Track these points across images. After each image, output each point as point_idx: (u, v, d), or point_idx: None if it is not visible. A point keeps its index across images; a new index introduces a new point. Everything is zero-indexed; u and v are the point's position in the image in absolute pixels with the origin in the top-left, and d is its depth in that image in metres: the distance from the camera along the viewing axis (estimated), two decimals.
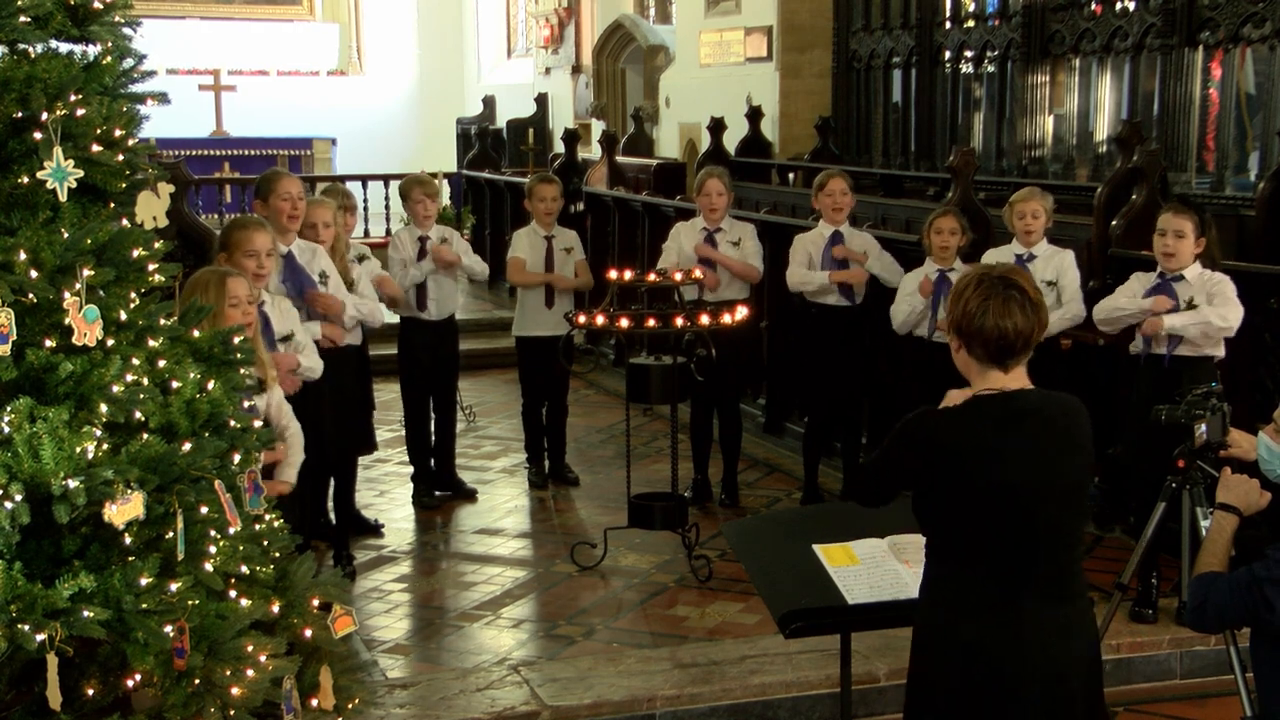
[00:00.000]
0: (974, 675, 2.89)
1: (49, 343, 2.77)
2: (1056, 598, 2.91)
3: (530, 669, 4.95)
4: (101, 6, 2.94)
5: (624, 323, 5.97)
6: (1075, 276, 6.08)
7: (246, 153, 17.35)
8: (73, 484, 2.62)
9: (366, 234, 14.37)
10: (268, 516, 3.20)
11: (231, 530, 2.99)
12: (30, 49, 2.86)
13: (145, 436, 2.84)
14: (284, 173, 6.01)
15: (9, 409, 2.67)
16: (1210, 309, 5.31)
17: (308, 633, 3.17)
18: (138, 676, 2.80)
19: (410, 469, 7.29)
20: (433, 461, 7.22)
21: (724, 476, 7.13)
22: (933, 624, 2.99)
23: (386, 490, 7.39)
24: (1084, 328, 6.17)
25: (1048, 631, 2.89)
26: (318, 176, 14.89)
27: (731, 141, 12.77)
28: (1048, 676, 2.89)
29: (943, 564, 2.97)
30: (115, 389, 2.77)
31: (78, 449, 2.66)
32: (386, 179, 14.95)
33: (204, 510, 2.91)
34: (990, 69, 11.90)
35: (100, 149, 2.87)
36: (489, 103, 20.47)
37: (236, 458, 3.09)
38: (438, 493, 7.17)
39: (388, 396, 8.23)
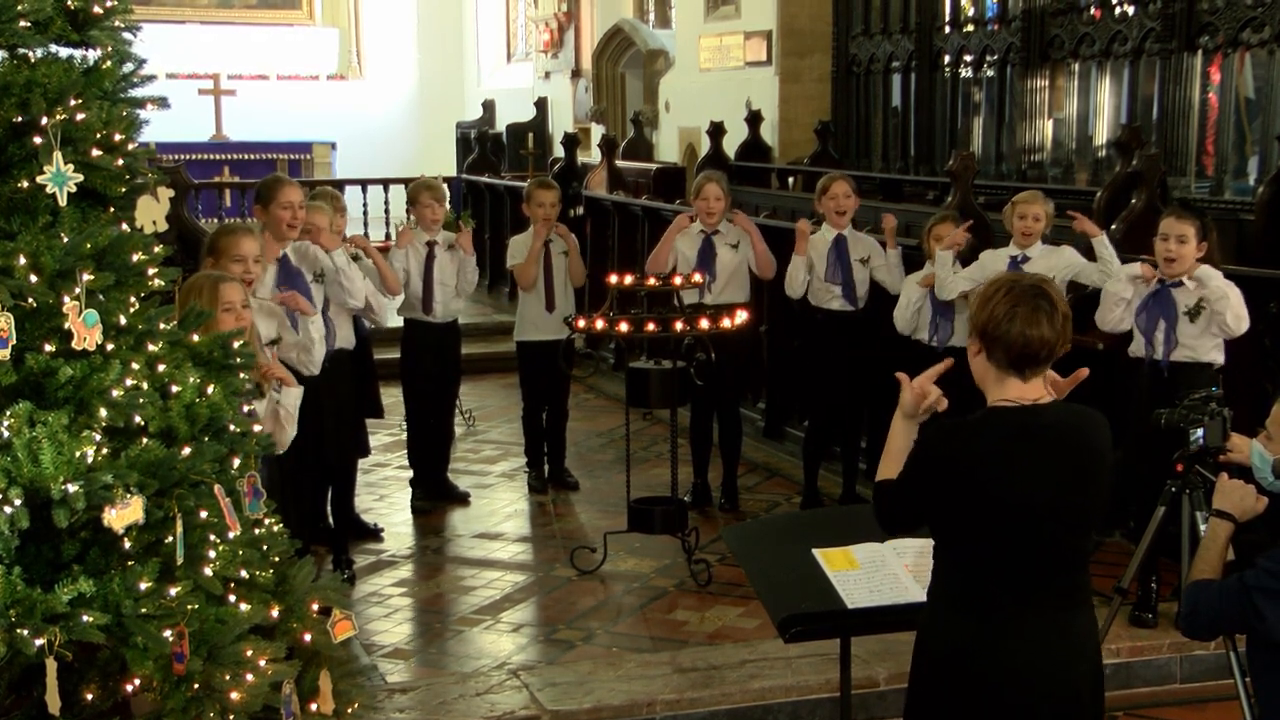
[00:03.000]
0: (973, 683, 2.89)
1: (49, 347, 2.77)
2: (1061, 608, 2.90)
3: (530, 673, 4.95)
4: (101, 11, 2.94)
5: (623, 327, 5.98)
6: (1080, 260, 6.03)
7: (246, 157, 17.37)
8: (72, 488, 2.62)
9: (365, 237, 14.36)
10: (267, 521, 3.20)
11: (231, 535, 2.98)
12: (30, 54, 2.85)
13: (145, 441, 2.83)
14: (286, 180, 5.98)
15: (9, 413, 2.67)
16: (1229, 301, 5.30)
17: (307, 637, 3.17)
18: (137, 681, 2.79)
19: (410, 473, 7.29)
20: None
21: (724, 481, 7.12)
22: (935, 629, 2.99)
23: (386, 494, 7.39)
24: (1084, 331, 6.16)
25: (1050, 641, 2.88)
26: (317, 181, 14.89)
27: (731, 146, 12.80)
28: (1050, 685, 2.87)
29: (949, 571, 2.96)
30: (115, 393, 2.77)
31: (77, 453, 2.66)
32: (386, 183, 14.97)
33: (203, 515, 2.90)
34: (989, 73, 11.92)
35: (100, 153, 2.86)
36: (489, 107, 20.50)
37: (236, 462, 3.09)
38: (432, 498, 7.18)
39: (388, 401, 8.23)
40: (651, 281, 6.27)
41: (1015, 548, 2.86)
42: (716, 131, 12.44)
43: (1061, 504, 2.85)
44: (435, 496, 7.18)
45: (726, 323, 6.05)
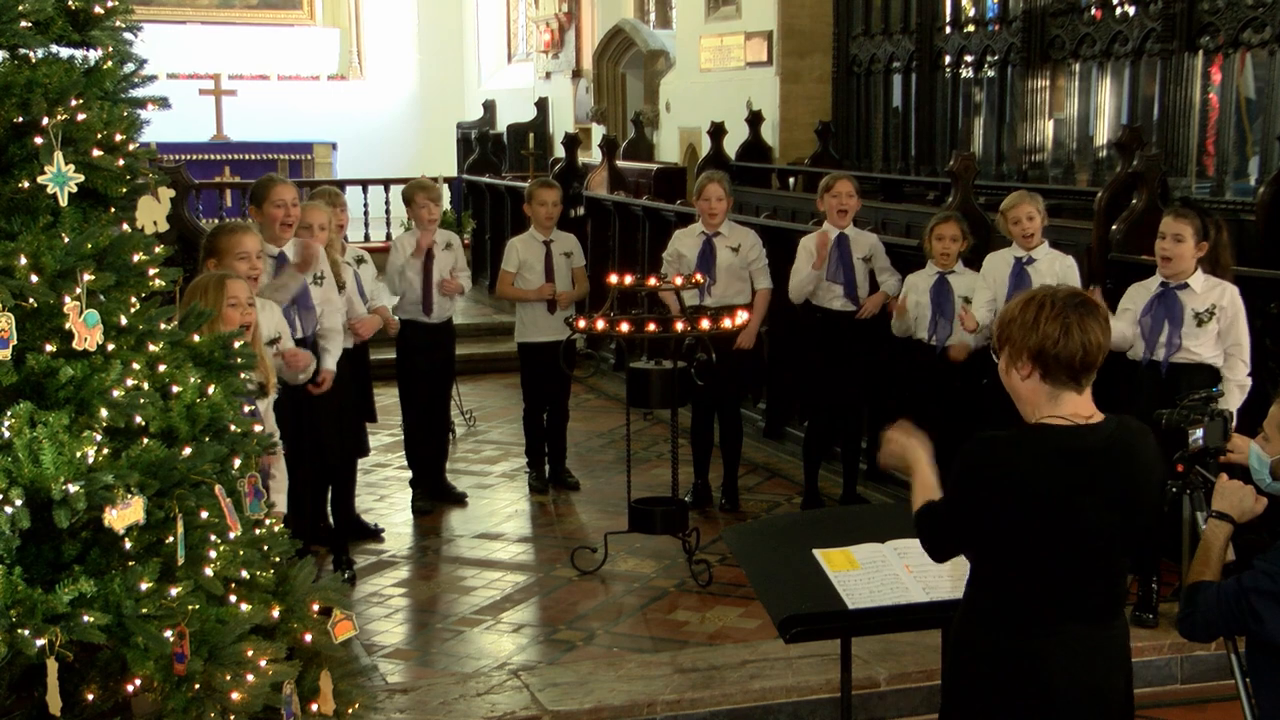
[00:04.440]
0: (1015, 696, 2.85)
1: (49, 347, 2.77)
2: (1099, 619, 2.89)
3: (530, 674, 4.95)
4: (102, 11, 2.95)
5: (624, 327, 5.98)
6: (1075, 275, 6.03)
7: (247, 157, 17.37)
8: (73, 489, 2.62)
9: (367, 238, 14.40)
10: (268, 521, 3.20)
11: (232, 535, 2.99)
12: (31, 54, 2.86)
13: (145, 441, 2.83)
14: (279, 179, 5.99)
15: (9, 414, 2.67)
16: (1235, 388, 5.26)
17: (308, 637, 3.17)
18: (138, 681, 2.79)
19: (409, 474, 7.30)
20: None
21: (724, 481, 7.12)
22: (974, 643, 2.93)
23: (386, 495, 7.39)
24: None
25: (1090, 653, 2.86)
26: (317, 181, 14.89)
27: (732, 146, 12.78)
28: (1091, 697, 2.86)
29: (989, 583, 2.90)
30: (116, 393, 2.77)
31: (78, 454, 2.66)
32: (387, 183, 14.97)
33: (204, 515, 2.91)
34: (990, 74, 11.91)
35: (101, 154, 2.87)
36: (489, 107, 20.49)
37: (237, 462, 3.09)
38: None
39: (387, 401, 8.24)
40: (652, 282, 6.28)
41: (1060, 564, 2.82)
42: (717, 132, 12.43)
43: (1111, 522, 2.81)
44: (434, 496, 7.18)
45: (727, 323, 6.05)
